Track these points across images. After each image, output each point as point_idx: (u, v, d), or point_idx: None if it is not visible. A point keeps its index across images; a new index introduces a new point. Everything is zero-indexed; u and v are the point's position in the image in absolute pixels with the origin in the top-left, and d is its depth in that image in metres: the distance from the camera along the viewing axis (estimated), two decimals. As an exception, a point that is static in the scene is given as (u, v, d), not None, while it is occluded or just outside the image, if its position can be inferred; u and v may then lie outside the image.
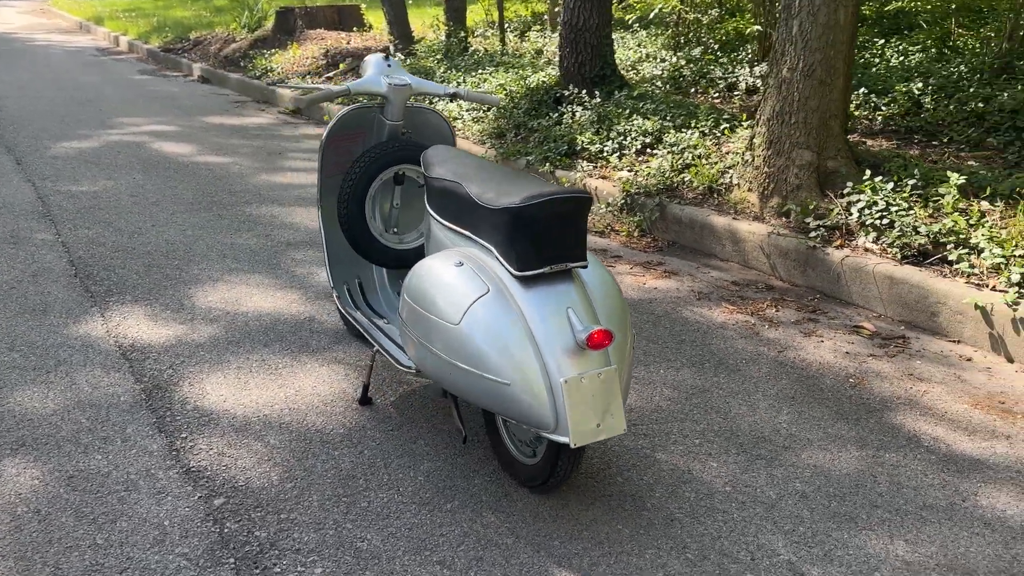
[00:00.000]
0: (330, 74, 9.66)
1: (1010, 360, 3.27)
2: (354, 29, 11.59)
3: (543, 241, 2.10)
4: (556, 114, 6.31)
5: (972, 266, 3.55)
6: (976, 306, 3.36)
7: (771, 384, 3.03)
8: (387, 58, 2.98)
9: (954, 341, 3.45)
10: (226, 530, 2.18)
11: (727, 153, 5.10)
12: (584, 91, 6.33)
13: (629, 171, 5.29)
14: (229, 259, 4.18)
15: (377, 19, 13.26)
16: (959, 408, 2.90)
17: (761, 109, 4.61)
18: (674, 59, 7.43)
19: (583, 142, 5.67)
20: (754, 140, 4.63)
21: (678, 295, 3.89)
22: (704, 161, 5.01)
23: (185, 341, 3.26)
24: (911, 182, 4.08)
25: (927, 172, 4.19)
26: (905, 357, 3.29)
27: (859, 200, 4.09)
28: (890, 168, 4.33)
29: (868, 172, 4.21)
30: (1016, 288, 3.35)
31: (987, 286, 3.47)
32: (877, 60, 6.60)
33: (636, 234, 4.79)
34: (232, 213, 4.97)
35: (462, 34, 9.24)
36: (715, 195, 4.81)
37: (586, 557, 2.09)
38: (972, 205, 3.86)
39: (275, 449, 2.55)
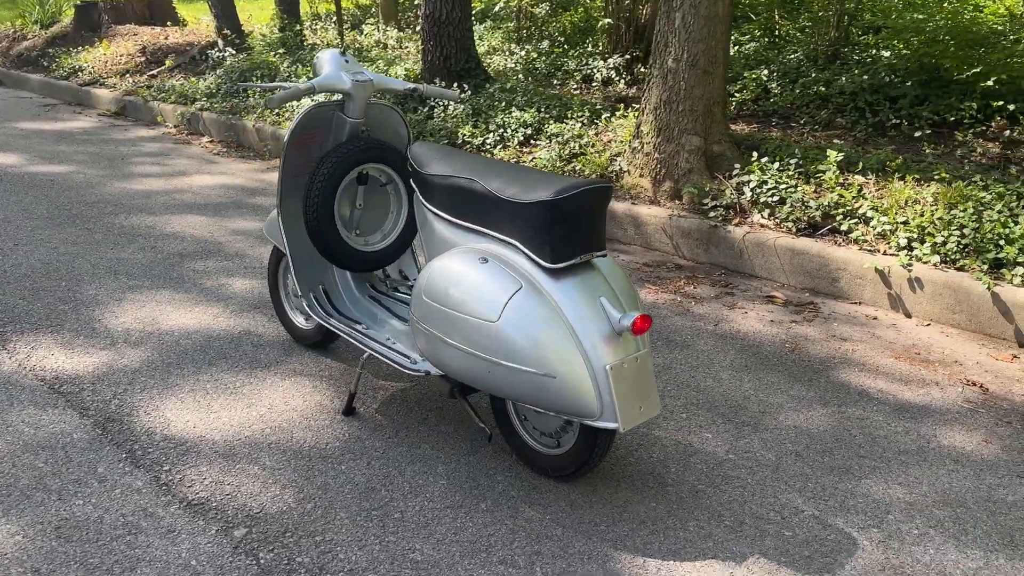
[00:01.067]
0: (153, 72, 9.02)
1: (908, 315, 3.67)
2: (168, 24, 10.86)
3: (574, 232, 2.13)
4: (427, 108, 6.27)
5: (863, 234, 3.93)
6: (876, 270, 3.74)
7: (723, 356, 3.23)
8: (343, 53, 2.87)
9: (856, 303, 3.82)
10: (263, 561, 2.04)
11: (609, 141, 5.30)
12: (451, 85, 6.34)
13: (516, 163, 5.37)
14: (123, 276, 3.85)
15: (190, 13, 12.48)
16: (886, 362, 3.22)
17: (646, 98, 4.83)
18: (523, 52, 7.58)
19: (464, 135, 5.69)
20: (641, 128, 4.85)
21: None
22: (591, 150, 5.18)
23: (117, 368, 2.99)
24: (793, 162, 4.44)
25: (804, 152, 4.57)
26: (822, 321, 3.60)
27: (750, 180, 4.40)
28: (767, 149, 4.69)
29: (756, 154, 4.53)
30: (905, 251, 3.75)
31: (878, 251, 3.86)
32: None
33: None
34: (101, 226, 4.56)
35: (297, 27, 8.92)
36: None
37: (635, 537, 2.15)
38: (850, 179, 4.27)
39: (275, 471, 2.41)
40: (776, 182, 4.34)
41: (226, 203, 5.18)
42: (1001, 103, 4.93)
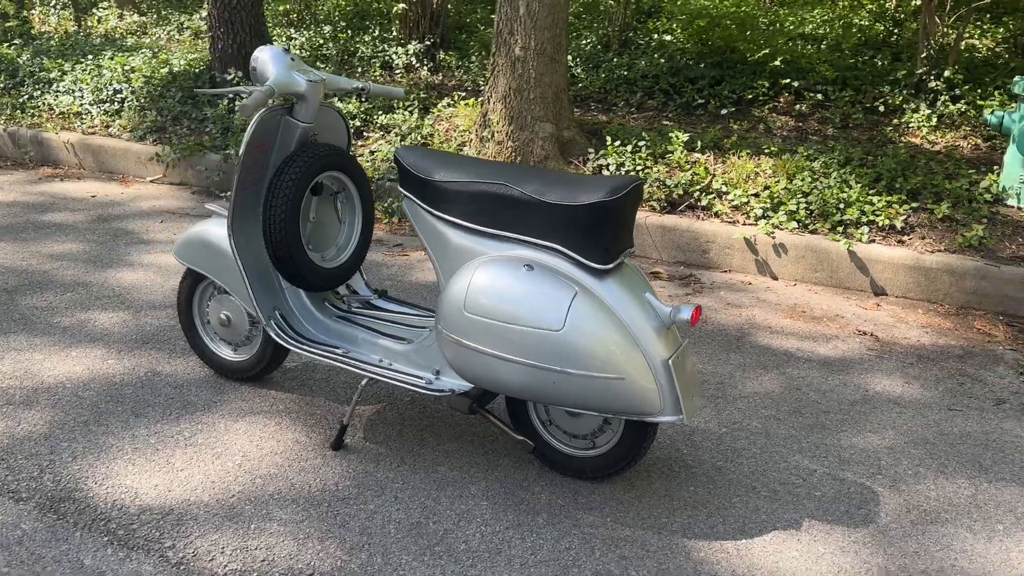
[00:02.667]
0: None
1: (775, 278, 4.07)
2: None
3: (621, 231, 2.14)
4: (226, 101, 5.78)
5: (722, 208, 4.28)
6: (744, 239, 4.09)
7: (654, 335, 3.37)
8: (287, 51, 2.58)
9: (726, 271, 4.16)
10: None
11: (448, 131, 5.25)
12: (248, 75, 5.89)
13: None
14: (-52, 323, 3.20)
15: None
16: (784, 322, 3.56)
17: (491, 87, 4.85)
18: (303, 38, 7.22)
19: (284, 131, 5.32)
20: (489, 117, 4.86)
21: None
22: (436, 141, 5.10)
23: (22, 437, 2.50)
24: (642, 144, 4.70)
25: (648, 134, 4.85)
26: (709, 291, 3.89)
27: (608, 164, 4.60)
28: (608, 133, 4.92)
29: (610, 139, 4.73)
30: (763, 220, 4.14)
31: (737, 222, 4.23)
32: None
33: (396, 220, 4.73)
34: None
35: (23, 13, 7.77)
36: (456, 172, 4.94)
37: (699, 523, 2.22)
38: (693, 158, 4.61)
39: (299, 524, 2.17)
40: (632, 164, 4.57)
41: (18, 225, 4.44)
42: (787, 81, 5.55)
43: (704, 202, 4.33)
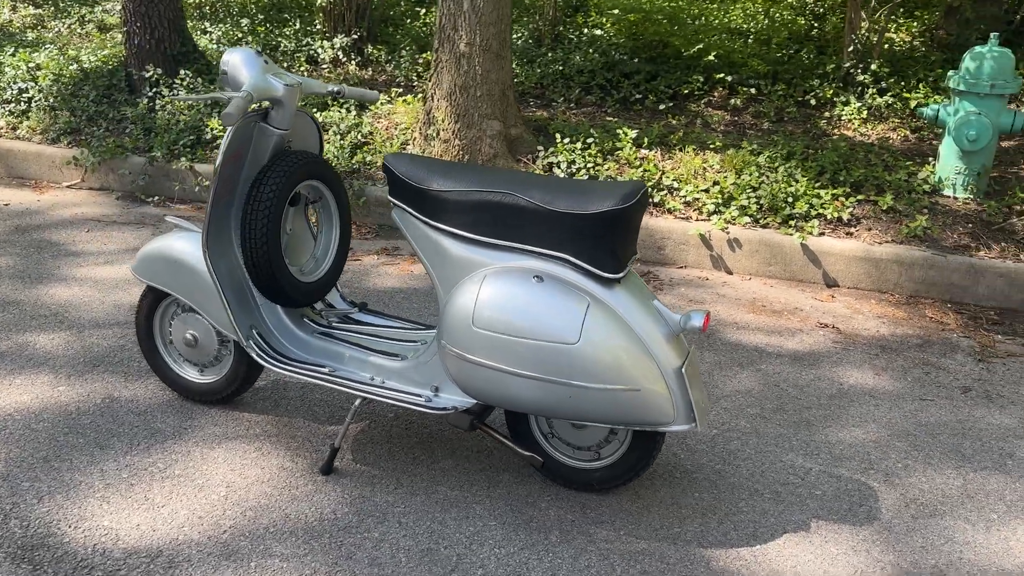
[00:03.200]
0: None
1: (730, 273, 4.12)
2: None
3: (629, 239, 2.09)
4: (146, 100, 5.48)
5: (674, 204, 4.30)
6: (699, 235, 4.12)
7: (626, 336, 3.35)
8: (260, 53, 2.42)
9: (682, 267, 4.18)
10: None
11: (388, 128, 5.12)
12: (168, 72, 5.60)
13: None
14: None
15: None
16: (748, 318, 3.60)
17: (435, 84, 4.74)
18: (219, 31, 6.92)
19: (214, 129, 5.09)
20: (434, 114, 4.75)
21: None
22: (378, 140, 4.96)
23: (-18, 477, 2.28)
24: (591, 141, 4.68)
25: (596, 131, 4.83)
26: (669, 287, 3.90)
27: (559, 161, 4.56)
28: (555, 130, 4.88)
29: (559, 136, 4.69)
30: (716, 216, 4.18)
31: (690, 218, 4.26)
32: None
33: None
34: None
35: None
36: (400, 172, 4.81)
37: (712, 532, 2.21)
38: (640, 154, 4.62)
39: (303, 558, 2.05)
40: (583, 162, 4.54)
41: (-67, 237, 4.09)
42: (721, 75, 5.63)
43: (656, 199, 4.34)
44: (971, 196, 4.27)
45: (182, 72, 5.54)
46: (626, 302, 2.07)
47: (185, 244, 2.53)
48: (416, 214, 2.23)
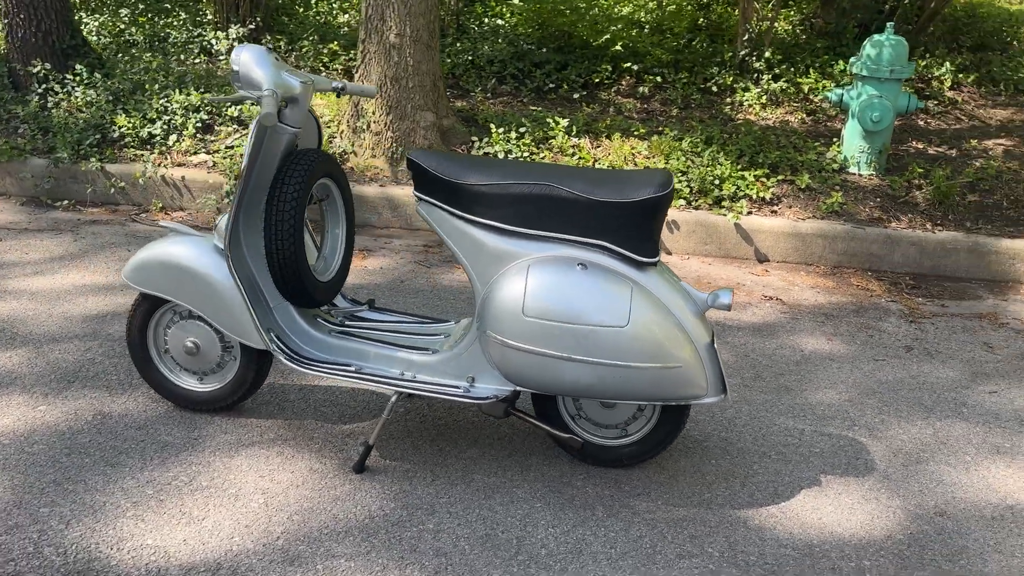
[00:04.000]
0: None
1: (669, 253, 4.34)
2: None
3: (662, 225, 2.21)
4: (36, 97, 5.13)
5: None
6: (641, 219, 4.30)
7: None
8: (271, 50, 2.36)
9: (625, 250, 4.35)
10: None
11: (312, 122, 5.02)
12: (58, 66, 5.25)
13: (208, 153, 4.78)
14: None
15: None
16: (700, 295, 3.81)
17: (363, 75, 4.70)
18: (94, 22, 6.53)
19: (121, 127, 4.84)
20: (363, 106, 4.71)
21: (406, 268, 3.92)
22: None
23: None
24: (523, 131, 4.77)
25: (524, 119, 4.93)
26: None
27: (497, 151, 4.63)
28: (483, 119, 4.95)
29: (493, 127, 4.76)
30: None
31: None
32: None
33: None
34: None
35: None
36: (331, 166, 4.75)
37: (740, 494, 2.37)
38: (576, 143, 4.76)
39: (367, 556, 2.05)
40: (519, 151, 4.63)
41: None
42: (628, 64, 5.86)
43: (594, 185, 4.48)
44: (874, 172, 4.67)
45: (77, 67, 5.21)
46: (660, 284, 2.19)
47: (187, 249, 2.44)
48: (450, 209, 2.25)
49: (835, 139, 4.98)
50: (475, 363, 2.31)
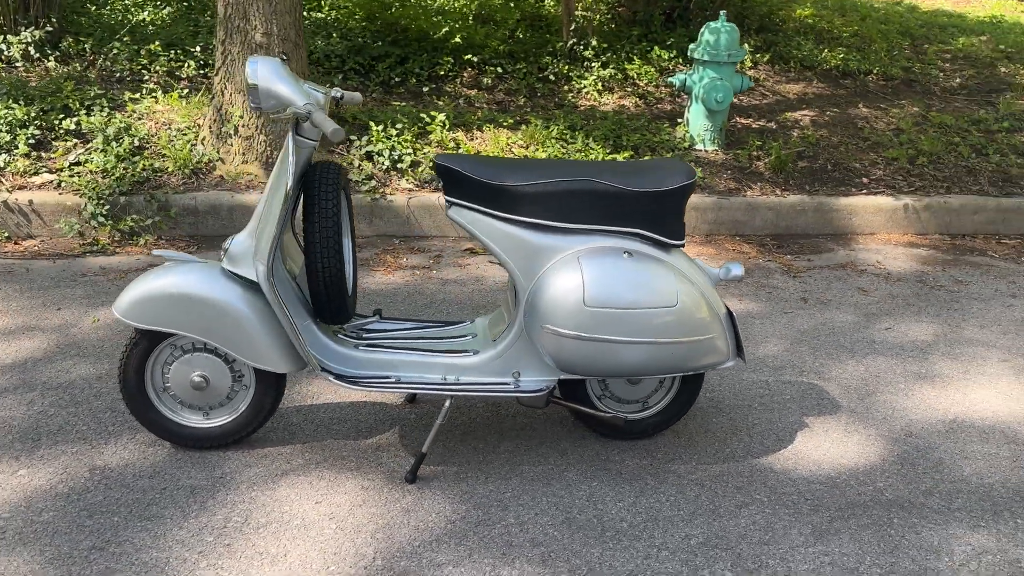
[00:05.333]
0: None
1: (563, 237, 4.56)
2: None
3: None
4: None
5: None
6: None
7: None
8: (285, 62, 2.24)
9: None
10: None
11: (156, 129, 4.69)
12: None
13: (51, 172, 4.34)
14: None
15: None
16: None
17: (226, 78, 4.47)
18: None
19: (-60, 149, 4.25)
20: (228, 111, 4.48)
21: None
22: (160, 142, 4.53)
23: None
24: (401, 127, 4.78)
25: (400, 115, 4.92)
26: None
27: (382, 149, 4.60)
28: (353, 117, 4.88)
29: (372, 124, 4.71)
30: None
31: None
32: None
33: (151, 239, 4.16)
34: None
35: None
36: (199, 175, 4.50)
37: (756, 446, 2.63)
38: (454, 137, 4.84)
39: (475, 560, 2.09)
40: (401, 148, 4.63)
41: None
42: (468, 56, 6.00)
43: (481, 176, 4.60)
44: (718, 148, 5.18)
45: None
46: (684, 264, 2.39)
47: (195, 277, 2.28)
48: (489, 211, 2.29)
49: (672, 121, 5.45)
50: (519, 358, 2.38)
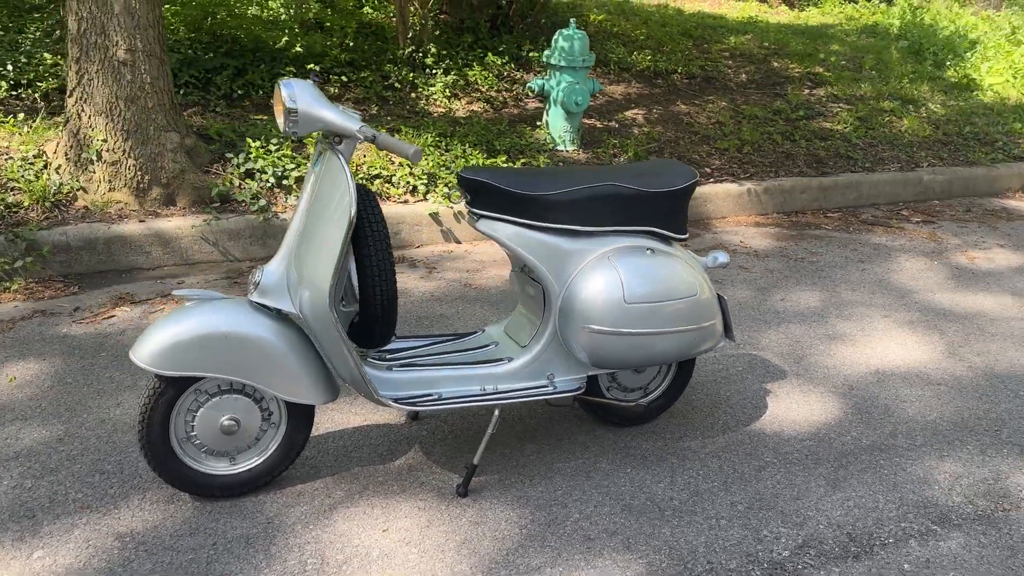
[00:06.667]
0: None
1: (459, 242, 4.65)
2: None
3: None
4: None
5: (395, 191, 4.61)
6: (430, 215, 4.54)
7: (474, 310, 3.72)
8: (316, 83, 2.14)
9: (420, 246, 4.56)
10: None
11: (6, 159, 4.20)
12: None
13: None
14: None
15: None
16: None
17: (82, 99, 4.09)
18: None
19: None
20: (87, 135, 4.11)
21: None
22: (11, 172, 4.05)
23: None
24: (276, 142, 4.60)
25: (275, 130, 4.72)
26: (429, 266, 4.27)
27: (265, 166, 4.42)
28: (218, 133, 4.64)
29: (249, 140, 4.49)
30: (432, 195, 4.64)
31: (408, 201, 4.63)
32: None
33: (20, 284, 3.74)
34: None
35: None
36: (61, 207, 4.09)
37: (747, 413, 2.91)
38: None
39: (563, 559, 2.16)
40: (281, 164, 4.47)
41: None
42: (311, 66, 5.87)
43: (375, 188, 4.55)
44: (577, 148, 5.48)
45: None
46: (686, 255, 2.60)
47: (225, 315, 2.14)
48: (522, 220, 2.35)
49: (525, 123, 5.67)
50: (552, 360, 2.46)
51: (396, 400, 2.28)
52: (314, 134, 2.38)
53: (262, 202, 4.21)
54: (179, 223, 4.03)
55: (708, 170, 5.48)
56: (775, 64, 8.08)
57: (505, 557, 2.12)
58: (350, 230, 2.07)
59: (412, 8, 6.28)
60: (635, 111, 6.38)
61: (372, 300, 2.19)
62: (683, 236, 2.55)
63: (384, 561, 2.08)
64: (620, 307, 2.37)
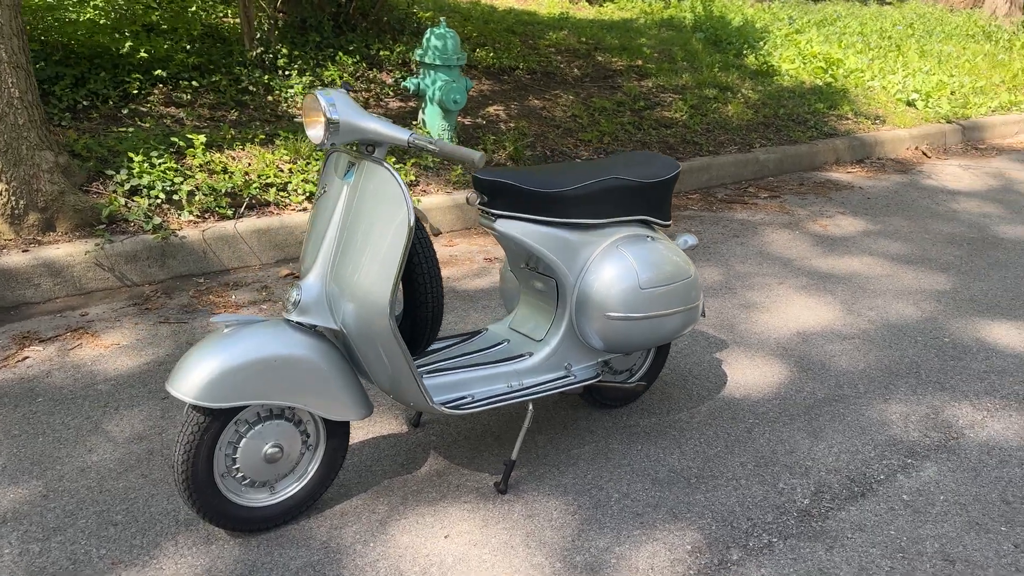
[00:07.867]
0: None
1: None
2: None
3: None
4: None
5: (296, 200, 4.45)
6: (334, 221, 4.43)
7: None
8: (348, 91, 2.05)
9: (323, 255, 4.43)
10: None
11: None
12: None
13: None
14: None
15: None
16: (449, 271, 4.27)
17: (-60, 116, 3.64)
18: None
19: None
20: (-50, 157, 3.66)
21: (162, 337, 3.43)
22: None
23: None
24: (155, 155, 4.30)
25: (154, 142, 4.39)
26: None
27: (152, 182, 4.12)
28: (88, 148, 4.28)
29: (131, 155, 4.16)
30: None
31: (307, 209, 4.50)
32: None
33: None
34: None
35: None
36: (-79, 243, 3.62)
37: (732, 383, 3.14)
38: (215, 157, 4.50)
39: (623, 535, 2.28)
40: (171, 179, 4.20)
41: None
42: (159, 72, 5.52)
43: (270, 197, 4.38)
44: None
45: None
46: (667, 239, 2.77)
47: (269, 339, 2.05)
48: (540, 218, 2.40)
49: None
50: (569, 350, 2.54)
51: (448, 404, 2.27)
52: (313, 143, 2.30)
53: (156, 220, 3.92)
54: (68, 250, 3.67)
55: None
56: (599, 58, 8.51)
57: (572, 543, 2.18)
58: (410, 240, 2.03)
59: (258, 6, 6.02)
60: (495, 107, 6.51)
61: (423, 308, 2.16)
62: (668, 223, 2.71)
63: (463, 566, 2.07)
64: (636, 292, 2.48)
